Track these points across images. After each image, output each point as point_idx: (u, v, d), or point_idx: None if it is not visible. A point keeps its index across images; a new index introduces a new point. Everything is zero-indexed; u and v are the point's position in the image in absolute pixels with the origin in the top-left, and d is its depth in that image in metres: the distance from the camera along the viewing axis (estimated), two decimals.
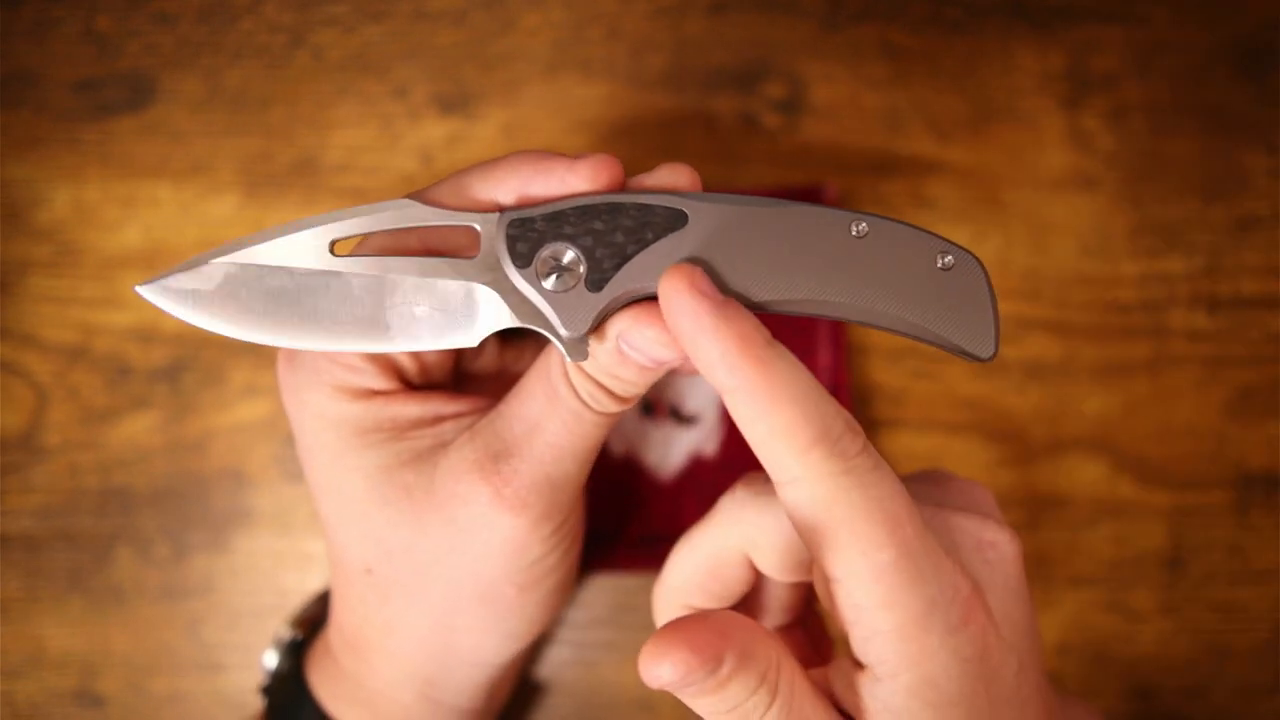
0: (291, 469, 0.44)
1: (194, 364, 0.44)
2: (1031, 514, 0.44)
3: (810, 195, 0.44)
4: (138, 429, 0.44)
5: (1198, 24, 0.45)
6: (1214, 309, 0.44)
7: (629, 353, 0.28)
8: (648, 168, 0.44)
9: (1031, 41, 0.45)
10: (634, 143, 0.45)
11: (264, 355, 0.44)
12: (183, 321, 0.29)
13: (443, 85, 0.45)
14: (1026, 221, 0.45)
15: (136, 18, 0.45)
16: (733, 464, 0.43)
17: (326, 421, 0.31)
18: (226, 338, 0.44)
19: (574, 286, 0.28)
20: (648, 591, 0.44)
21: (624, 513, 0.43)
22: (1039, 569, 0.44)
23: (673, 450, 0.43)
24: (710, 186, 0.44)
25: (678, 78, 0.45)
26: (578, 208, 0.28)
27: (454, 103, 0.45)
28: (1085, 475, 0.44)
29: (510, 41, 0.45)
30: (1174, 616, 0.44)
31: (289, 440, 0.44)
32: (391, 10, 0.45)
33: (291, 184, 0.45)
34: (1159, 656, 0.44)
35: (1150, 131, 0.45)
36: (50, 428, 0.44)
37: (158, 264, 0.44)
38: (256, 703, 0.43)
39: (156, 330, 0.44)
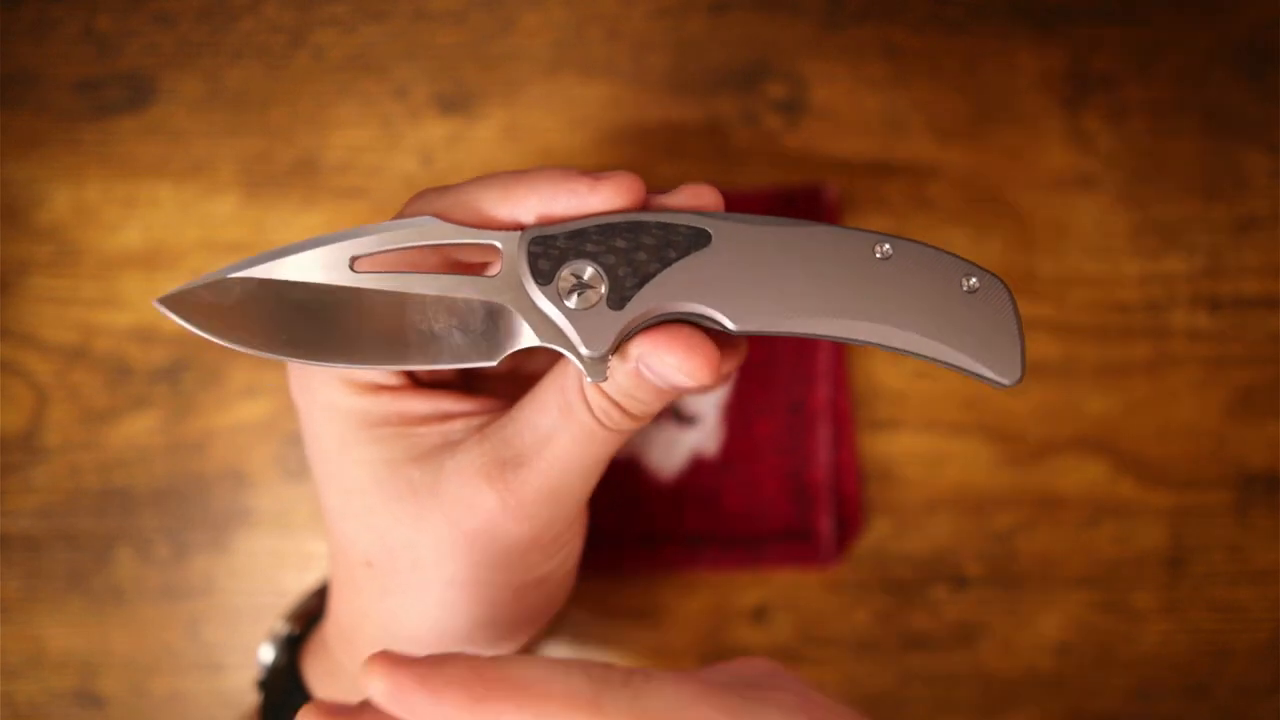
0: (291, 469, 0.44)
1: (194, 364, 0.44)
2: (1031, 514, 0.44)
3: (811, 195, 0.44)
4: (138, 429, 0.44)
5: (1198, 24, 0.45)
6: (1215, 309, 0.44)
7: (648, 376, 0.28)
8: (649, 169, 0.45)
9: (1031, 41, 0.45)
10: (635, 143, 0.45)
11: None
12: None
13: (443, 85, 0.45)
14: (1026, 221, 0.45)
15: (136, 18, 0.45)
16: (733, 464, 0.43)
17: (334, 413, 0.31)
18: None
19: (595, 305, 0.27)
20: (648, 592, 0.44)
21: (625, 513, 0.43)
22: (1039, 569, 0.44)
23: (673, 450, 0.43)
24: (711, 186, 0.44)
25: (678, 78, 0.45)
26: (600, 226, 0.28)
27: (454, 103, 0.45)
28: (1085, 475, 0.44)
29: (510, 41, 0.45)
30: (1174, 616, 0.44)
31: (289, 440, 0.44)
32: (391, 10, 0.45)
33: (291, 184, 0.45)
34: (1159, 656, 0.44)
35: (1150, 131, 0.45)
36: (50, 428, 0.44)
37: (158, 264, 0.44)
38: (255, 699, 0.43)
39: (156, 330, 0.44)
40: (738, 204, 0.44)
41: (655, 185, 0.45)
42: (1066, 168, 0.45)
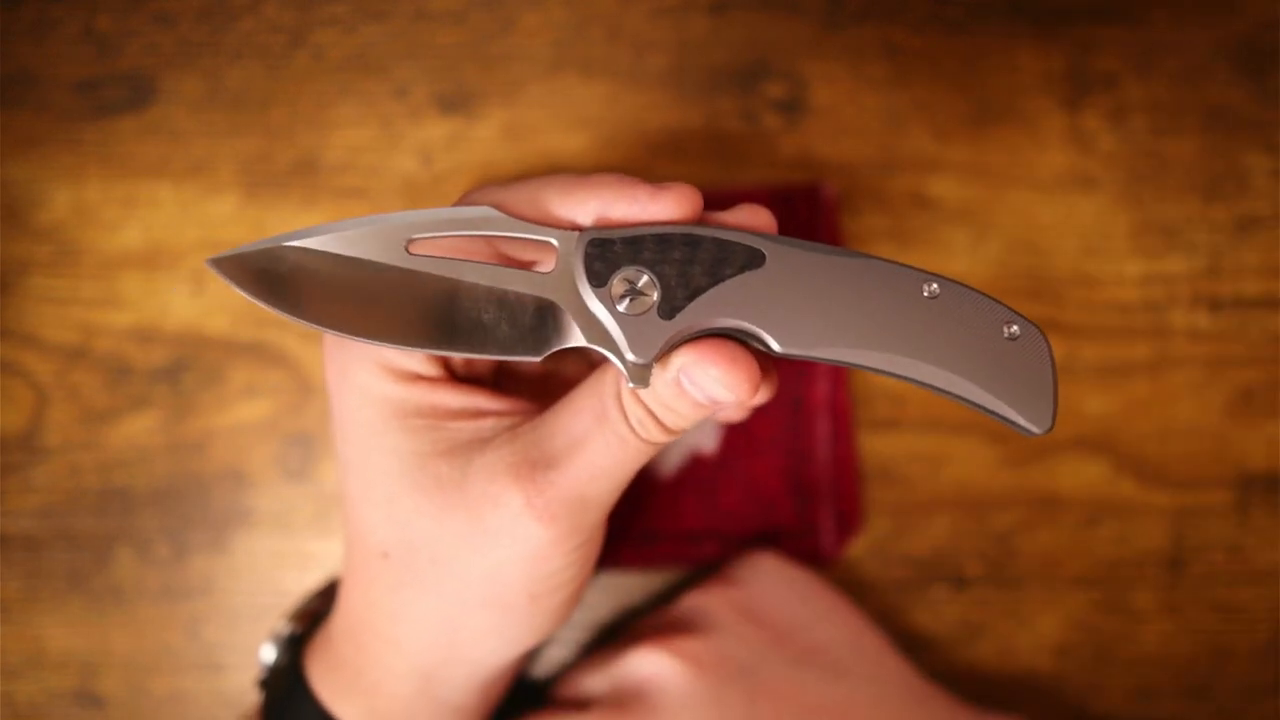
0: (292, 469, 0.44)
1: (194, 364, 0.44)
2: (1031, 514, 0.44)
3: (810, 195, 0.44)
4: (138, 429, 0.44)
5: (1198, 24, 0.45)
6: (1214, 309, 0.44)
7: (688, 388, 0.28)
8: (649, 168, 0.45)
9: (1032, 41, 0.45)
10: (634, 143, 0.45)
11: (264, 356, 0.44)
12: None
13: (443, 85, 0.45)
14: (1027, 221, 0.45)
15: (136, 18, 0.45)
16: (732, 461, 0.43)
17: (368, 398, 0.31)
18: (226, 337, 0.44)
19: (646, 312, 0.28)
20: (648, 590, 0.44)
21: (624, 510, 0.43)
22: (1040, 569, 0.44)
23: (672, 448, 0.43)
24: (711, 186, 0.44)
25: (679, 78, 0.45)
26: (657, 235, 0.28)
27: (454, 103, 0.45)
28: (1085, 475, 0.44)
29: (510, 41, 0.45)
30: (1174, 617, 0.44)
31: (289, 440, 0.44)
32: (391, 10, 0.45)
33: (291, 184, 0.45)
34: (1159, 657, 0.44)
35: (1150, 131, 0.45)
36: (50, 428, 0.44)
37: (158, 264, 0.44)
38: (256, 698, 0.43)
39: (156, 330, 0.44)
40: (736, 203, 0.44)
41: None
42: (1066, 168, 0.45)
